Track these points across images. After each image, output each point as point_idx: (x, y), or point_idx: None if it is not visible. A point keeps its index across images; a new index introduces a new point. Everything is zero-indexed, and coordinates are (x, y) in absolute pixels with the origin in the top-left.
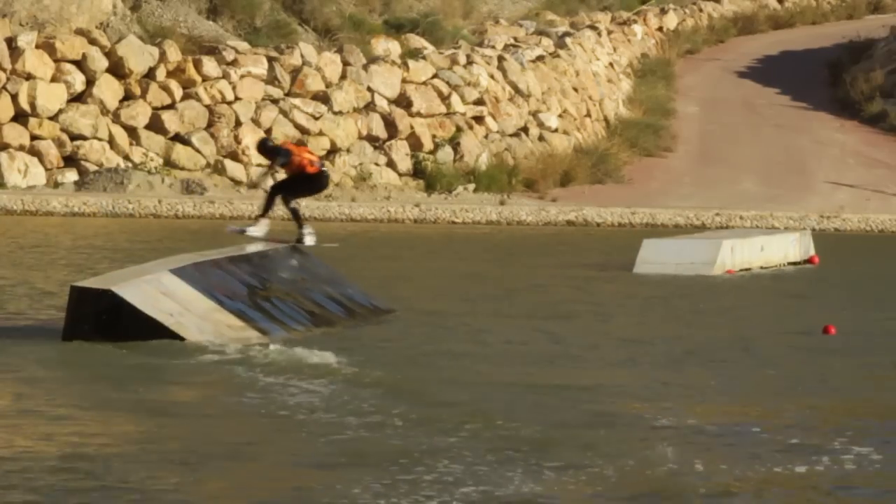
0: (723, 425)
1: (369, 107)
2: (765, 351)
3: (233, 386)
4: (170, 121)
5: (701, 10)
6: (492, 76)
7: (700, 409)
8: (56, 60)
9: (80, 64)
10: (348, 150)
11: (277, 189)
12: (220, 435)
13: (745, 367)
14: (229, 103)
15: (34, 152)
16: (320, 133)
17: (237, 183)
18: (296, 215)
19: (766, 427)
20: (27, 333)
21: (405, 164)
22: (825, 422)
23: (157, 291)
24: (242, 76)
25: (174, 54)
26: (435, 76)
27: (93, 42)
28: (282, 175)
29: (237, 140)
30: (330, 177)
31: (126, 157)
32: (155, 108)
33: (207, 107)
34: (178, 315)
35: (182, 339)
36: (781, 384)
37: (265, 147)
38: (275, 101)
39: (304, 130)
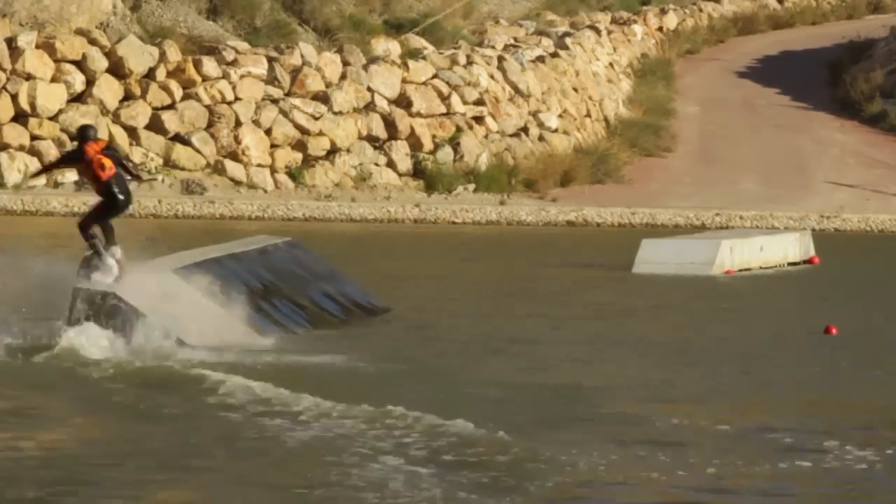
0: (722, 425)
1: (369, 107)
2: (765, 351)
3: (235, 389)
4: (170, 121)
5: (701, 10)
6: (492, 76)
7: (699, 409)
8: (56, 60)
9: (80, 64)
10: (348, 150)
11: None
12: (229, 436)
13: (745, 367)
14: (229, 103)
15: (34, 152)
16: (320, 133)
17: (237, 183)
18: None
19: (767, 427)
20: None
21: (405, 164)
22: (826, 422)
23: (160, 293)
24: (242, 76)
25: (174, 54)
26: (435, 76)
27: (93, 42)
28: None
29: (237, 140)
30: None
31: (126, 158)
32: (155, 109)
33: (207, 107)
34: (180, 319)
35: (183, 343)
36: (782, 384)
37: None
38: (275, 101)
39: (304, 130)
